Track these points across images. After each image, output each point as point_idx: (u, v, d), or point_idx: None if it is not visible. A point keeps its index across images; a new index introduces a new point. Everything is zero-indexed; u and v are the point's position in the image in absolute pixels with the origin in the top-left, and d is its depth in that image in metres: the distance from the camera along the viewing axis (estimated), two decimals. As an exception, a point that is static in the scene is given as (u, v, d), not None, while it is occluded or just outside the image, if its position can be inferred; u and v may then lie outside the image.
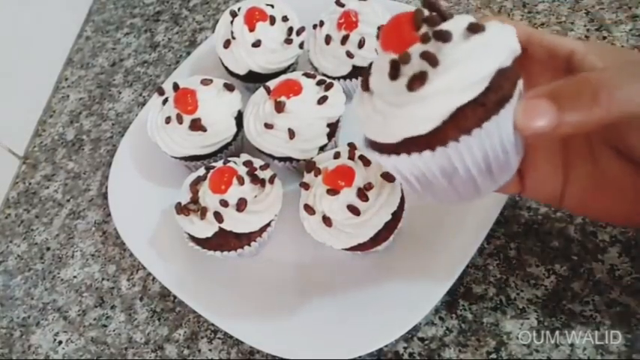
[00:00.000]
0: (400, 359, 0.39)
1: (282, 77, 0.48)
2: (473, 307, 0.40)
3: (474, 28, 0.24)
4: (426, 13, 0.26)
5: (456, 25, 0.25)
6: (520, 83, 0.26)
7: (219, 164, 0.45)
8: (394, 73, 0.25)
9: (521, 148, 0.27)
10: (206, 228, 0.43)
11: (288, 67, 0.54)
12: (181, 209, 0.43)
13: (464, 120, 0.24)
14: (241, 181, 0.42)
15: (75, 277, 0.52)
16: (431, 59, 0.24)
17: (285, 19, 0.53)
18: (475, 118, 0.24)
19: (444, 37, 0.24)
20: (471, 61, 0.23)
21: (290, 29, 0.52)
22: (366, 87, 0.28)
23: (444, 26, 0.25)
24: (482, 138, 0.24)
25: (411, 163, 0.26)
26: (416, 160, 0.26)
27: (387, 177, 0.39)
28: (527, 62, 0.29)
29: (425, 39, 0.25)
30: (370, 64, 0.28)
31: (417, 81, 0.24)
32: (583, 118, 0.23)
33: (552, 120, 0.24)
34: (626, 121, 0.25)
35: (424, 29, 0.25)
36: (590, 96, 0.23)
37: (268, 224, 0.44)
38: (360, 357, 0.39)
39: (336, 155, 0.42)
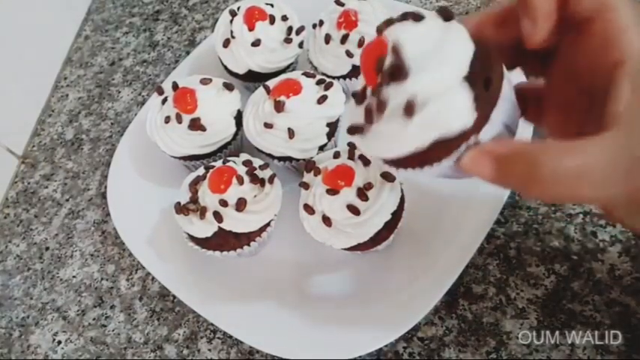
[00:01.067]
0: (400, 359, 0.39)
1: (282, 77, 0.48)
2: (473, 307, 0.40)
3: (408, 110, 0.24)
4: (389, 59, 0.26)
5: (401, 94, 0.25)
6: (483, 133, 0.26)
7: (218, 164, 0.45)
8: (357, 101, 0.29)
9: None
10: (205, 228, 0.42)
11: (288, 67, 0.53)
12: (181, 209, 0.43)
13: (410, 161, 0.27)
14: (241, 181, 0.42)
15: (74, 276, 0.52)
16: (366, 117, 0.27)
17: (284, 18, 0.53)
18: (415, 161, 0.27)
19: (379, 106, 0.26)
20: (385, 143, 0.27)
21: (289, 28, 0.52)
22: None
23: (389, 90, 0.25)
24: (430, 170, 0.27)
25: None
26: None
27: (387, 177, 0.39)
28: (579, 44, 0.26)
29: (373, 92, 0.27)
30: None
31: (353, 130, 0.29)
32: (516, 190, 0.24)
33: (489, 179, 0.25)
34: None
35: (379, 79, 0.26)
36: (525, 183, 0.24)
37: (268, 224, 0.44)
38: (359, 357, 0.39)
39: (336, 155, 0.42)
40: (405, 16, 0.27)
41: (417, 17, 0.27)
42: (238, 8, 0.53)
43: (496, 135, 0.26)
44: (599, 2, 0.25)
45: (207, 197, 0.42)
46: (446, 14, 0.26)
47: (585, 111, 0.26)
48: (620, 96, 0.24)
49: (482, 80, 0.25)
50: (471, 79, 0.24)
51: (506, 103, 0.26)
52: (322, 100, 0.45)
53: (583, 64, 0.26)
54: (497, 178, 0.24)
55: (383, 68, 0.26)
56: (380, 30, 0.28)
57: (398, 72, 0.25)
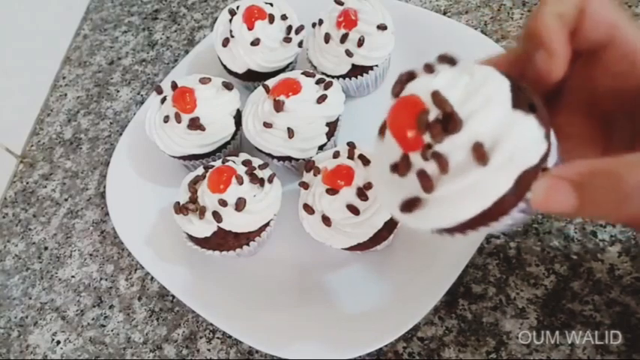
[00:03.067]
0: (400, 359, 0.39)
1: (281, 76, 0.47)
2: (472, 307, 0.40)
3: (478, 156, 0.22)
4: (432, 114, 0.23)
5: (461, 144, 0.22)
6: (551, 159, 0.23)
7: (217, 163, 0.45)
8: (394, 171, 0.25)
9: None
10: (205, 227, 0.42)
11: (287, 66, 0.53)
12: (180, 209, 0.43)
13: (477, 221, 0.23)
14: (240, 181, 0.42)
15: (73, 276, 0.52)
16: (425, 186, 0.23)
17: (284, 17, 0.52)
18: (480, 221, 0.23)
19: (442, 166, 0.22)
20: (465, 200, 0.22)
21: (289, 28, 0.52)
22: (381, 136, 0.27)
23: (449, 144, 0.22)
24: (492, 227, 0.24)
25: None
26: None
27: (387, 176, 0.39)
28: (596, 73, 0.25)
29: (424, 155, 0.23)
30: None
31: (408, 208, 0.24)
32: (603, 218, 0.22)
33: (570, 210, 0.22)
34: None
35: (427, 138, 0.23)
36: (616, 203, 0.21)
37: (267, 224, 0.44)
38: (359, 357, 0.39)
39: (336, 154, 0.42)
40: (411, 76, 0.25)
41: (429, 68, 0.24)
42: (237, 7, 0.52)
43: (556, 161, 0.24)
44: (612, 27, 0.24)
45: (207, 197, 0.42)
46: (450, 60, 0.24)
47: (600, 136, 0.25)
48: None
49: (527, 106, 0.23)
50: (519, 107, 0.23)
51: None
52: (322, 99, 0.45)
53: (602, 90, 0.25)
54: (581, 206, 0.21)
55: (428, 124, 0.23)
56: (397, 92, 0.25)
57: (452, 122, 0.22)
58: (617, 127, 0.25)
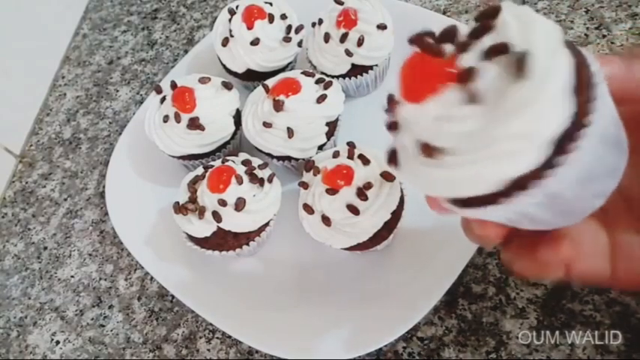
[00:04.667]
0: (400, 359, 0.39)
1: (281, 75, 0.47)
2: (472, 307, 0.40)
3: (519, 65, 0.18)
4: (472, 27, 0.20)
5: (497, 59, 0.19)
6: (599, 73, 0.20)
7: (217, 163, 0.45)
8: (464, 79, 0.20)
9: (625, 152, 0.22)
10: (204, 227, 0.42)
11: (287, 66, 0.53)
12: (179, 208, 0.43)
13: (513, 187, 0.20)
14: (240, 181, 0.42)
15: (72, 276, 0.52)
16: (471, 96, 0.19)
17: (283, 16, 0.52)
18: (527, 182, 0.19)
19: (475, 98, 0.19)
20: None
21: (289, 27, 0.52)
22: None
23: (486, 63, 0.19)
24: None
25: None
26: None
27: (387, 176, 0.39)
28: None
29: (462, 79, 0.19)
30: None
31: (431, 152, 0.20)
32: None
33: None
34: None
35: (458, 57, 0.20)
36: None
37: (267, 224, 0.44)
38: (359, 357, 0.38)
39: (335, 154, 0.42)
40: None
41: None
42: (237, 7, 0.52)
43: None
44: None
45: (206, 197, 0.42)
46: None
47: None
48: None
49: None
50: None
51: None
52: (321, 99, 0.45)
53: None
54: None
55: (459, 43, 0.20)
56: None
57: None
58: None
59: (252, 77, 0.53)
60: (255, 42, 0.50)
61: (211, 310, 0.43)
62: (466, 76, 0.19)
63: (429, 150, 0.20)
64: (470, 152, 0.19)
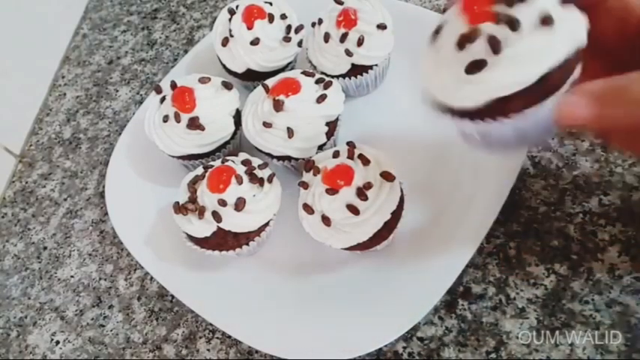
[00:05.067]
0: (399, 359, 0.39)
1: (281, 75, 0.47)
2: (472, 307, 0.40)
3: (545, 21, 0.26)
4: None
5: (530, 12, 0.26)
6: (576, 72, 0.28)
7: (217, 163, 0.45)
8: (461, 45, 0.28)
9: (553, 131, 0.29)
10: (204, 227, 0.42)
11: (287, 66, 0.53)
12: (179, 208, 0.43)
13: (509, 104, 0.27)
14: (240, 181, 0.42)
15: (72, 276, 0.52)
16: (494, 46, 0.26)
17: (283, 16, 0.52)
18: (520, 104, 0.27)
19: (513, 25, 0.26)
20: (529, 59, 0.26)
21: (289, 27, 0.52)
22: (434, 39, 0.31)
23: (518, 11, 0.26)
24: (521, 120, 0.28)
25: (464, 125, 0.30)
26: (467, 123, 0.30)
27: (387, 176, 0.39)
28: (600, 20, 0.30)
29: (496, 20, 0.27)
30: (445, 12, 0.31)
31: (475, 68, 0.27)
32: (620, 121, 0.27)
33: (588, 119, 0.26)
34: None
35: (499, 8, 0.27)
36: (625, 110, 0.26)
37: (267, 224, 0.44)
38: (359, 357, 0.38)
39: (335, 154, 0.42)
40: None
41: None
42: (237, 7, 0.52)
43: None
44: None
45: (206, 197, 0.42)
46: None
47: (626, 52, 0.29)
48: None
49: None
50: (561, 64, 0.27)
51: None
52: (321, 99, 0.45)
53: (608, 32, 0.30)
54: (598, 116, 0.26)
55: (497, 9, 0.27)
56: None
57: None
58: (619, 62, 0.29)
59: (252, 77, 0.53)
60: (255, 42, 0.50)
61: (211, 310, 0.43)
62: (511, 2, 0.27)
63: (475, 64, 0.27)
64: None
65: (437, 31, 0.31)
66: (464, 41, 0.28)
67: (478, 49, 0.27)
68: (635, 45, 0.29)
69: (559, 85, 0.27)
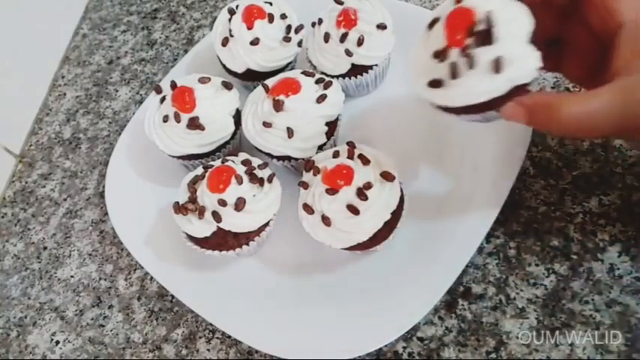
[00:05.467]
0: (399, 359, 0.39)
1: (281, 75, 0.47)
2: (472, 307, 0.40)
3: (496, 66, 0.32)
4: (481, 27, 0.32)
5: (489, 54, 0.32)
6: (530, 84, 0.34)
7: (217, 163, 0.45)
8: (435, 56, 0.35)
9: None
10: (204, 227, 0.42)
11: (287, 66, 0.53)
12: (179, 208, 0.43)
13: (473, 108, 0.34)
14: (240, 181, 0.42)
15: (72, 276, 0.52)
16: (453, 73, 0.33)
17: (283, 16, 0.52)
18: (477, 110, 0.34)
19: (471, 64, 0.32)
20: (472, 92, 0.33)
21: (289, 27, 0.52)
22: (428, 30, 0.36)
23: (481, 51, 0.32)
24: (481, 114, 0.35)
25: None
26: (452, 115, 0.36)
27: (387, 176, 0.39)
28: (583, 14, 0.34)
29: (464, 52, 0.33)
30: (435, 20, 0.36)
31: (434, 85, 0.34)
32: (553, 131, 0.35)
33: (523, 122, 0.33)
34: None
35: (469, 41, 0.33)
36: (550, 124, 0.32)
37: (267, 224, 0.44)
38: (359, 357, 0.38)
39: (335, 154, 0.42)
40: None
41: None
42: (237, 6, 0.52)
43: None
44: None
45: (206, 197, 0.42)
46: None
47: (598, 56, 0.33)
48: (619, 55, 0.31)
49: (537, 45, 0.32)
50: (534, 43, 0.32)
51: None
52: (321, 99, 0.45)
53: (594, 23, 0.33)
54: (529, 122, 0.33)
55: (474, 32, 0.32)
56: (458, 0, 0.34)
57: (488, 38, 0.32)
58: (593, 63, 0.35)
59: (252, 77, 0.53)
60: (255, 42, 0.50)
61: (211, 310, 0.43)
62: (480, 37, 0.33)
63: (435, 82, 0.34)
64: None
65: (431, 25, 0.36)
66: (437, 56, 0.35)
67: (443, 68, 0.34)
68: (608, 48, 0.32)
69: (505, 102, 0.33)
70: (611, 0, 0.32)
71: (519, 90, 0.33)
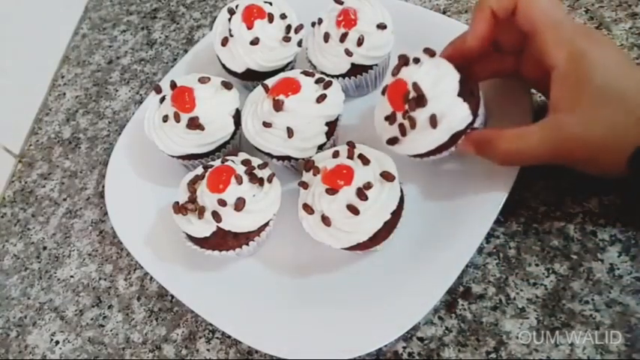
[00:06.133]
0: (399, 359, 0.39)
1: (281, 75, 0.47)
2: (472, 307, 0.40)
3: (432, 122, 0.39)
4: (412, 93, 0.39)
5: (424, 113, 0.39)
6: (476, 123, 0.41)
7: (217, 163, 0.45)
8: (386, 119, 0.42)
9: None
10: (204, 227, 0.42)
11: (287, 65, 0.53)
12: (179, 208, 0.43)
13: (429, 153, 0.41)
14: (239, 180, 0.42)
15: (72, 276, 0.52)
16: (402, 132, 0.40)
17: (283, 16, 0.52)
18: (434, 153, 0.41)
19: (413, 124, 0.39)
20: (419, 144, 0.41)
21: (288, 27, 0.52)
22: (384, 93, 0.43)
23: (419, 111, 0.39)
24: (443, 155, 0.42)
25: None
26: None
27: (387, 176, 0.39)
28: (524, 60, 0.41)
29: (403, 116, 0.40)
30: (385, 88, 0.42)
31: (391, 142, 0.42)
32: (496, 161, 0.39)
33: (473, 154, 0.40)
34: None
35: (408, 106, 0.39)
36: (494, 157, 0.39)
37: (267, 224, 0.44)
38: (359, 357, 0.38)
39: (335, 154, 0.42)
40: (406, 61, 0.41)
41: (416, 60, 0.41)
42: (237, 6, 0.52)
43: (481, 123, 0.41)
44: (532, 26, 0.37)
45: (206, 197, 0.42)
46: (430, 52, 0.41)
47: (542, 87, 0.39)
48: (551, 94, 0.36)
49: (469, 93, 0.39)
50: (463, 94, 0.39)
51: (483, 103, 0.41)
52: (321, 99, 0.45)
53: (537, 62, 0.38)
54: (477, 154, 0.40)
55: (409, 99, 0.39)
56: (395, 73, 0.41)
57: (421, 101, 0.39)
58: (541, 90, 0.43)
59: (252, 77, 0.53)
60: (254, 42, 0.50)
61: (211, 310, 0.43)
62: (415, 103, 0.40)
63: (391, 139, 0.42)
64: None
65: (383, 92, 0.43)
66: (387, 119, 0.42)
67: (394, 128, 0.41)
68: (544, 84, 0.37)
69: (453, 144, 0.40)
70: (546, 45, 0.36)
71: (461, 133, 0.39)
